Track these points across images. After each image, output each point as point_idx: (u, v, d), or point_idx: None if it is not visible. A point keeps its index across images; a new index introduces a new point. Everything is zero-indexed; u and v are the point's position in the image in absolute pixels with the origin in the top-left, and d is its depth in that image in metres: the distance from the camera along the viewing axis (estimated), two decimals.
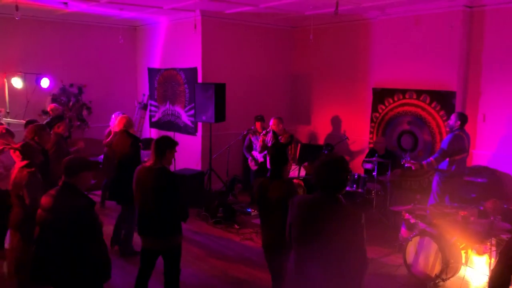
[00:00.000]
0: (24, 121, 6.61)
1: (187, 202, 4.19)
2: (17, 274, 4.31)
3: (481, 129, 7.00)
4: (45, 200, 3.30)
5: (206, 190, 8.05)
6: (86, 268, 3.20)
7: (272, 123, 7.35)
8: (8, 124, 7.78)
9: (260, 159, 7.66)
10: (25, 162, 4.25)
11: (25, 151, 4.28)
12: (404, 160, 6.09)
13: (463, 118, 6.05)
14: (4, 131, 5.36)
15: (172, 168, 8.76)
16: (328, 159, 2.95)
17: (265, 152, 7.42)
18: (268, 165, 7.32)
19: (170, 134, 8.90)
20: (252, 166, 7.91)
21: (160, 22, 9.59)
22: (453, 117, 6.09)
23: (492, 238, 4.66)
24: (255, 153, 7.83)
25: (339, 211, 2.83)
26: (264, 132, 7.58)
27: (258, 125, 7.85)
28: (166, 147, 4.06)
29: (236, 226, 6.86)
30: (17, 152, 4.28)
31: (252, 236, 6.45)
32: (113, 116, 7.25)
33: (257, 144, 7.68)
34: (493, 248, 4.68)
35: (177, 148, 4.19)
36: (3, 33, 8.58)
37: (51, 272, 3.22)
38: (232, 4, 7.52)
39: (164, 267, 4.15)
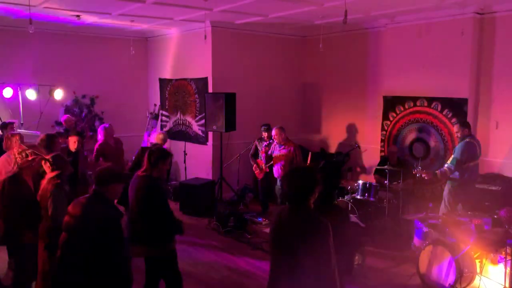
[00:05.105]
0: (38, 132, 6.69)
1: (171, 213, 4.12)
2: (41, 281, 4.31)
3: (494, 136, 6.92)
4: (74, 207, 3.36)
5: (217, 200, 8.05)
6: (109, 275, 3.25)
7: (274, 133, 7.32)
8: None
9: (266, 168, 7.63)
10: (54, 173, 4.28)
11: (56, 162, 4.31)
12: (415, 170, 6.05)
13: (467, 124, 6.06)
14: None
15: (183, 177, 8.88)
16: (292, 169, 3.02)
17: (271, 163, 7.40)
18: (275, 175, 7.35)
19: (181, 143, 8.97)
20: (257, 174, 7.88)
21: (170, 33, 9.69)
22: (457, 128, 6.09)
23: (507, 247, 4.59)
24: (260, 161, 7.79)
25: (307, 222, 2.76)
26: (266, 143, 7.55)
27: (264, 134, 7.81)
28: (159, 158, 4.09)
29: (248, 236, 6.85)
30: (48, 163, 4.29)
31: (263, 245, 6.42)
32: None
33: (261, 152, 7.69)
34: (508, 257, 4.60)
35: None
36: (17, 46, 8.75)
37: (75, 278, 3.25)
38: (242, 14, 7.58)
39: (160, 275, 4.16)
